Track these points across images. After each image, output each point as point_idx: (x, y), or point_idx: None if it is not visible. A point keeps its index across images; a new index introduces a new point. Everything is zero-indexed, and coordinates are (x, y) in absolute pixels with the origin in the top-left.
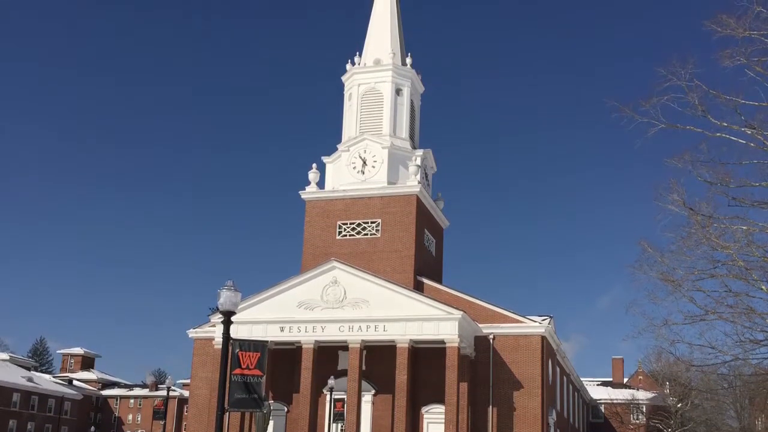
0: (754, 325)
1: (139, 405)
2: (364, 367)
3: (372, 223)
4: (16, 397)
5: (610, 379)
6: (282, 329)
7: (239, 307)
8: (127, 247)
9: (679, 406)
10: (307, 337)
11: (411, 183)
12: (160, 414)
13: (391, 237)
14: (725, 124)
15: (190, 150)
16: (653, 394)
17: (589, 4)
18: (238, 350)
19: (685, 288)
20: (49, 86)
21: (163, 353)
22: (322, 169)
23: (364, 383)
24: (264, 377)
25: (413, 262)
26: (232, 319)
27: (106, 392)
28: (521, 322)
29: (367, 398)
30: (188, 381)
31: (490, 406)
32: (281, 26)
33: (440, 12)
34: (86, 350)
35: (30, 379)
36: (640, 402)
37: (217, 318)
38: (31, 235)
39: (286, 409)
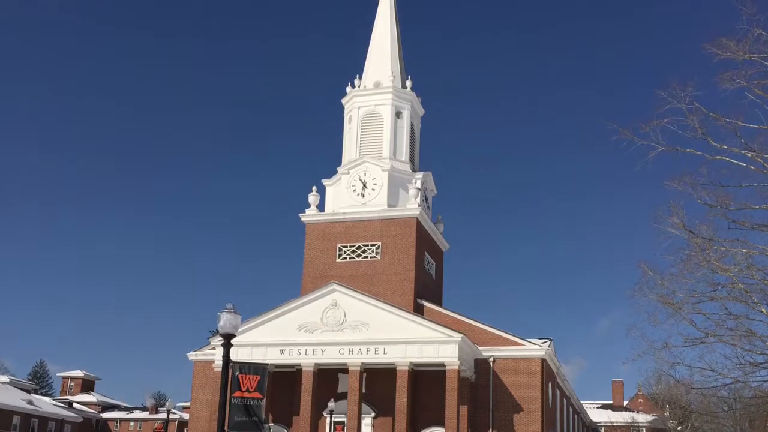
0: (754, 348)
1: (139, 428)
2: (364, 390)
3: (372, 245)
4: (16, 419)
5: (610, 402)
6: (282, 352)
7: (239, 329)
8: (127, 269)
9: (679, 429)
10: (307, 359)
11: (411, 206)
12: None
13: (391, 260)
14: (725, 147)
15: (190, 172)
16: (653, 417)
17: (588, 27)
18: (238, 373)
19: (685, 311)
20: (48, 108)
21: (163, 376)
22: (322, 191)
23: (364, 406)
24: (264, 400)
25: (413, 285)
26: (232, 341)
27: (106, 415)
28: (521, 344)
29: (367, 421)
30: (188, 404)
31: (490, 429)
32: (281, 49)
33: (440, 35)
34: (86, 373)
35: (30, 402)
36: (640, 425)
37: (217, 341)
38: (31, 257)
39: (286, 431)
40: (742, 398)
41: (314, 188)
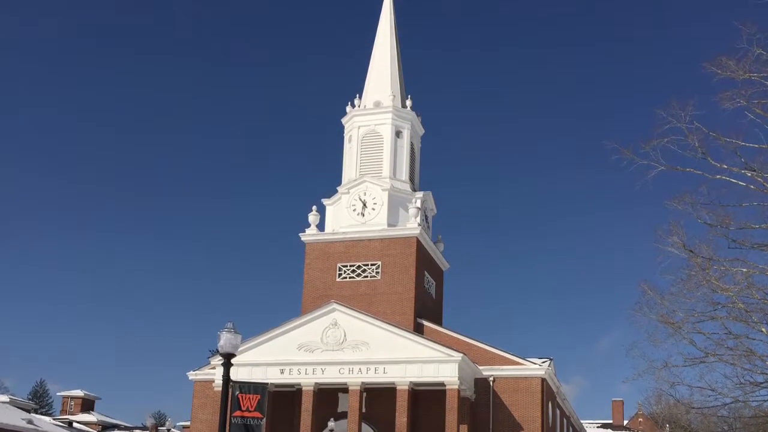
0: (754, 368)
1: None
2: (364, 410)
3: (372, 265)
4: None
5: (610, 422)
6: (282, 371)
7: (239, 349)
8: (127, 289)
9: None
10: (307, 379)
11: (411, 225)
12: None
13: (391, 279)
14: (725, 167)
15: (189, 193)
16: None
17: (588, 47)
18: (238, 392)
19: (685, 330)
20: (49, 132)
21: (163, 395)
22: (322, 211)
23: (364, 425)
24: (264, 419)
25: (413, 305)
26: (232, 361)
27: None
28: (521, 364)
29: None
30: (188, 423)
31: None
32: (281, 69)
33: (440, 54)
34: (86, 392)
35: (30, 422)
36: None
37: (217, 360)
38: (31, 278)
39: None
40: (742, 418)
41: (314, 208)
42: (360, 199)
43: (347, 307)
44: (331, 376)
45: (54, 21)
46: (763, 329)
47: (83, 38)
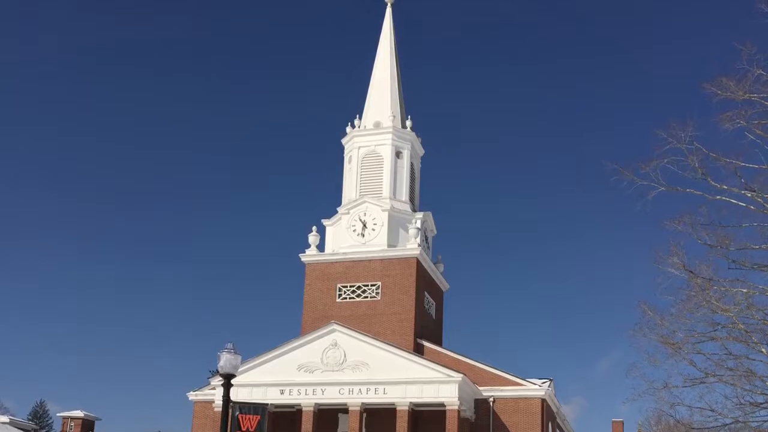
0: (754, 388)
1: None
2: (363, 430)
3: (372, 285)
4: None
5: None
6: (282, 392)
7: (239, 369)
8: (127, 309)
9: None
10: (307, 399)
11: (411, 246)
12: None
13: (391, 300)
14: (725, 187)
15: (189, 212)
16: None
17: (588, 66)
18: (238, 413)
19: (685, 351)
20: (47, 148)
21: (163, 416)
22: (322, 231)
23: None
24: None
25: (413, 325)
26: (232, 381)
27: None
28: (521, 384)
29: None
30: None
31: None
32: (281, 89)
33: (440, 74)
34: (86, 413)
35: None
36: None
37: (217, 381)
38: (31, 297)
39: None
40: None
41: (314, 228)
42: (360, 220)
43: (347, 327)
44: (331, 396)
45: (53, 37)
46: (763, 350)
47: (81, 55)
